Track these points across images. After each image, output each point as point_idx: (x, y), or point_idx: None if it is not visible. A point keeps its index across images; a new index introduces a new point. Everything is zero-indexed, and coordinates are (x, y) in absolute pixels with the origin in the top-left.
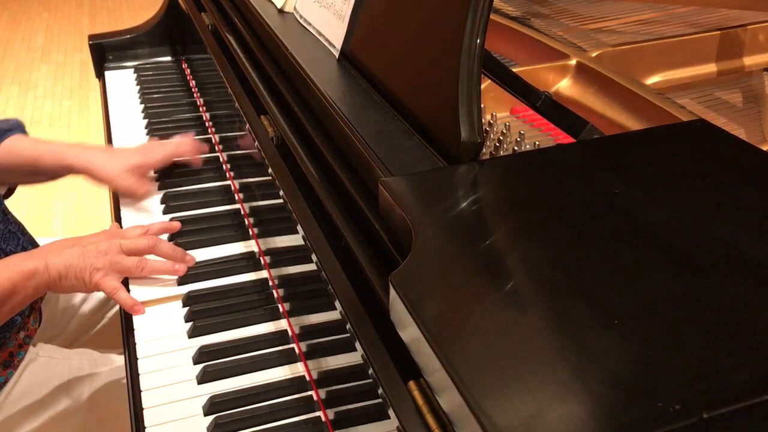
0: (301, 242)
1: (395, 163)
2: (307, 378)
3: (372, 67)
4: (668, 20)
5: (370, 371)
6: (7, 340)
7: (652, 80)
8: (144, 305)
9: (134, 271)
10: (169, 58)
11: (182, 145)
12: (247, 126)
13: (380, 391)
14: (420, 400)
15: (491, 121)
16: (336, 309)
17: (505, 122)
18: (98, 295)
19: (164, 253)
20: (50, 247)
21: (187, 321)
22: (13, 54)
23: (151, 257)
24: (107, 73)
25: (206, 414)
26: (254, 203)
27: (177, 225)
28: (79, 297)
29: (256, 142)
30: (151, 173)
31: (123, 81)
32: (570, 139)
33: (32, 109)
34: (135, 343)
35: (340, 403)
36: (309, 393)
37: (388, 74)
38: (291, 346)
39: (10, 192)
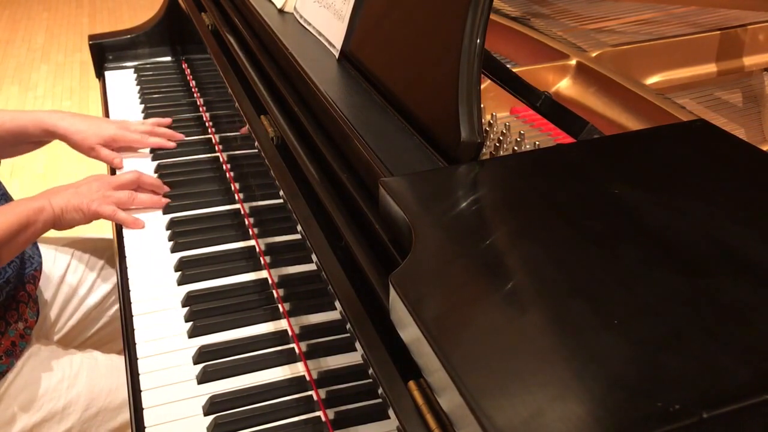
0: (301, 242)
1: (395, 163)
2: (307, 378)
3: (372, 67)
4: (668, 20)
5: (370, 371)
6: (9, 329)
7: (652, 80)
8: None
9: (126, 202)
10: (169, 58)
11: (157, 124)
12: (247, 126)
13: (380, 391)
14: (420, 400)
15: (491, 121)
16: (336, 309)
17: (505, 122)
18: (98, 293)
19: (147, 183)
20: (48, 191)
21: (187, 321)
22: (13, 54)
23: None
24: (107, 73)
25: (206, 414)
26: (254, 203)
27: (165, 188)
28: (79, 294)
29: (256, 142)
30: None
31: (123, 81)
32: (570, 139)
33: (32, 109)
34: (135, 343)
35: (340, 403)
36: (309, 393)
37: (388, 74)
38: (291, 346)
39: None
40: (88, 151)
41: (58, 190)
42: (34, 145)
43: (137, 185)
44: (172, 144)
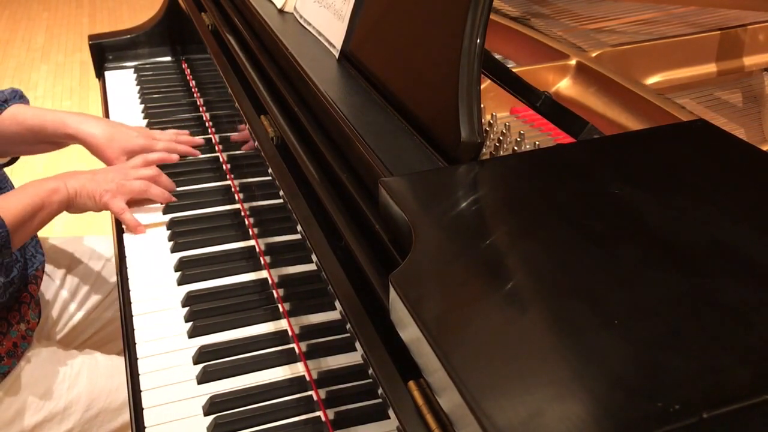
0: (301, 242)
1: (395, 163)
2: (307, 378)
3: (372, 67)
4: (668, 20)
5: (370, 371)
6: (11, 330)
7: (652, 80)
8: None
9: (139, 193)
10: (169, 58)
11: (180, 135)
12: (247, 126)
13: (380, 391)
14: (420, 400)
15: (491, 121)
16: (336, 309)
17: (505, 122)
18: (99, 293)
19: (163, 183)
20: (63, 174)
21: (187, 321)
22: (13, 54)
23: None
24: (107, 73)
25: (206, 414)
26: (254, 203)
27: (175, 157)
28: (80, 294)
29: (256, 142)
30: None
31: (123, 81)
32: (570, 139)
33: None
34: (135, 343)
35: (340, 403)
36: (309, 393)
37: (388, 74)
38: (291, 346)
39: (12, 161)
40: (108, 161)
41: (74, 174)
42: (53, 145)
43: (154, 181)
44: (197, 152)
